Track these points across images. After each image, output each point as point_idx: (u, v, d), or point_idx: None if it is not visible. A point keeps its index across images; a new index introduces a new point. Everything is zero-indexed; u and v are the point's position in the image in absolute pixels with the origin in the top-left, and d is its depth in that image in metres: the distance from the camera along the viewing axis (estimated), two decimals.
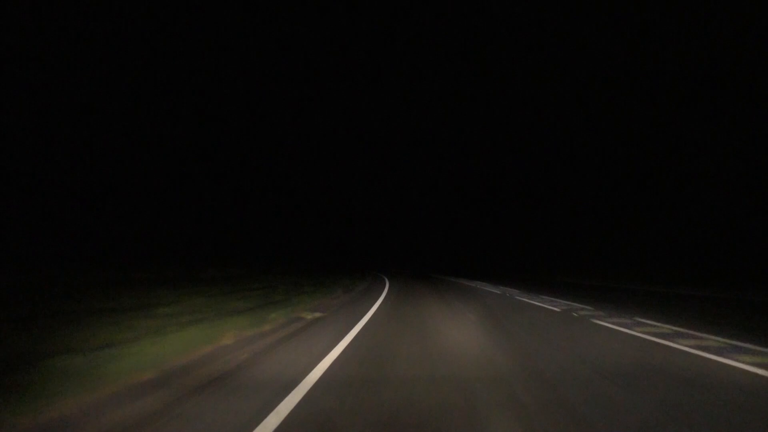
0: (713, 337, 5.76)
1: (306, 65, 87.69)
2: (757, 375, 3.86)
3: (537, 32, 75.84)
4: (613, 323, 7.08)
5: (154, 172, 43.18)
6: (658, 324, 7.00)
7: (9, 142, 29.47)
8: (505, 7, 76.09)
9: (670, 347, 5.10)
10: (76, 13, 41.43)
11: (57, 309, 6.91)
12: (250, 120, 79.13)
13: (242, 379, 3.49)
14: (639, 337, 5.81)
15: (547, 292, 14.32)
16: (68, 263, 18.77)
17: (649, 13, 50.85)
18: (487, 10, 77.79)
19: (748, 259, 24.43)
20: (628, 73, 52.35)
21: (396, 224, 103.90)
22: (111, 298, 8.57)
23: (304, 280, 17.85)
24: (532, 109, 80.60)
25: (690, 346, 5.12)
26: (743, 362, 4.33)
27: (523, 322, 7.04)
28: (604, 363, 4.24)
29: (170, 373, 3.57)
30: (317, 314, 7.64)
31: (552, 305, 10.00)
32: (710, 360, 4.45)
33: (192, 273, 19.13)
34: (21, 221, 26.72)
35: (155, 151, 44.59)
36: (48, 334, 4.91)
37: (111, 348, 4.21)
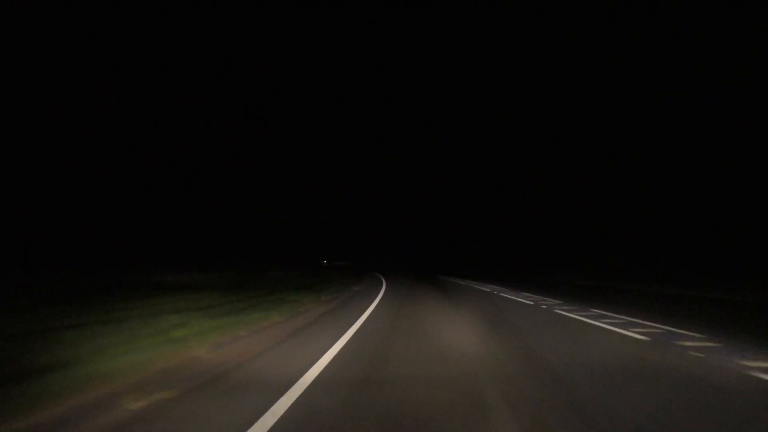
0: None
1: (304, 64, 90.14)
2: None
3: (535, 34, 77.75)
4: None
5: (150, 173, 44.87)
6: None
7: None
8: (512, 7, 78.25)
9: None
10: (76, 11, 43.90)
11: None
12: (249, 119, 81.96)
13: None
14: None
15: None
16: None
17: (646, 13, 52.38)
18: (493, 11, 79.92)
19: (744, 259, 25.00)
20: (627, 73, 54.01)
21: (396, 224, 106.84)
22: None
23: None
24: (532, 109, 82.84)
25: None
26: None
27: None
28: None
29: None
30: None
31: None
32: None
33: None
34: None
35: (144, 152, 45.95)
36: None
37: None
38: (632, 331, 5.86)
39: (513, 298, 12.02)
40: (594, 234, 43.91)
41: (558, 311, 8.44)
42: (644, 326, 6.36)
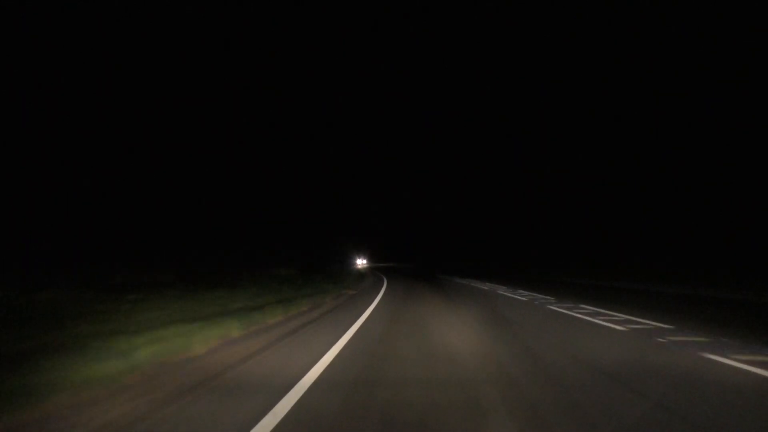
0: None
1: (304, 64, 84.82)
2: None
3: (535, 34, 75.87)
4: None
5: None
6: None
7: None
8: (512, 7, 75.97)
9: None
10: (76, 11, 39.79)
11: None
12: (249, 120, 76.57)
13: None
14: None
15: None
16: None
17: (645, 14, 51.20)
18: (493, 11, 77.53)
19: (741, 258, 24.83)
20: (627, 73, 52.85)
21: (400, 224, 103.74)
22: None
23: None
24: (532, 109, 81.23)
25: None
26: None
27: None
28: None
29: None
30: None
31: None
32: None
33: None
34: None
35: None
36: None
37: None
38: None
39: (594, 320, 8.39)
40: (594, 234, 42.29)
41: (710, 357, 4.77)
42: None
